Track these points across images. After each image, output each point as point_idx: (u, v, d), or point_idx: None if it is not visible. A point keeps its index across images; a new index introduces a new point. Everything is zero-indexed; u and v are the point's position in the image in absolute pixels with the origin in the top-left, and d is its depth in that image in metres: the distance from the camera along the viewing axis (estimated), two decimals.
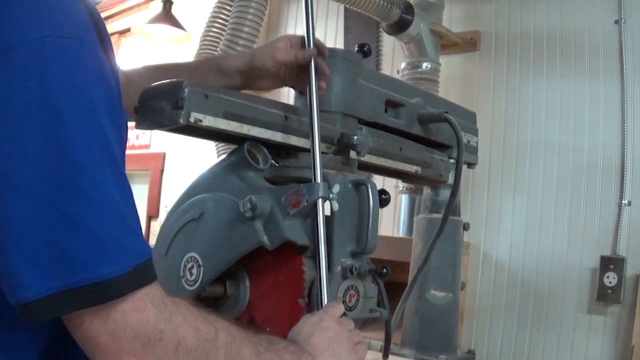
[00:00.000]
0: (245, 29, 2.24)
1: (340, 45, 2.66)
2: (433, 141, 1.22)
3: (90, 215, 0.56)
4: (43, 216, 0.55)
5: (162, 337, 0.59)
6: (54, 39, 0.57)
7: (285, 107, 0.96)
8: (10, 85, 0.55)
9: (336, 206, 0.89)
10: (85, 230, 0.56)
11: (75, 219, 0.55)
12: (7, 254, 0.55)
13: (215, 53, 2.38)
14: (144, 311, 0.59)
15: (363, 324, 0.98)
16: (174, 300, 0.62)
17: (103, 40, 0.64)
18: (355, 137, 0.97)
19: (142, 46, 3.56)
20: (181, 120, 0.82)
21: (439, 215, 1.83)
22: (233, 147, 0.98)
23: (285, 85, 0.98)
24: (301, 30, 0.90)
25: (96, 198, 0.56)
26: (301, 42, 0.95)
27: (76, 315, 0.57)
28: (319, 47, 0.94)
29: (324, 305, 0.84)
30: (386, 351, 1.18)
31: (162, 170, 3.42)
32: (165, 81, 0.85)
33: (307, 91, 0.92)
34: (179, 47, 3.08)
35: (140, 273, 0.59)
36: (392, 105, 1.13)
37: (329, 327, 0.80)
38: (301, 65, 0.95)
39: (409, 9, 2.10)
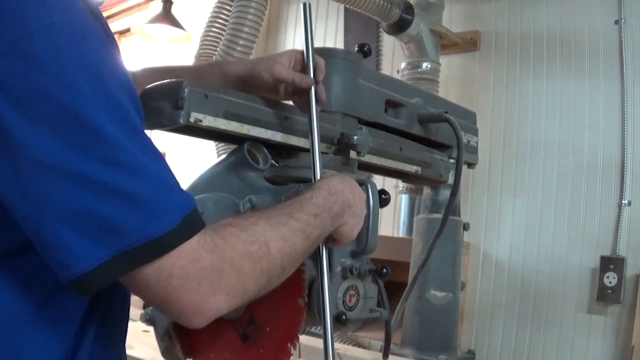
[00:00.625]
0: (245, 29, 2.24)
1: (340, 45, 2.66)
2: (433, 141, 1.22)
3: (128, 181, 0.58)
4: (83, 190, 0.57)
5: (223, 274, 0.63)
6: (64, 24, 0.59)
7: (285, 107, 0.96)
8: (29, 74, 0.56)
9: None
10: (126, 195, 0.58)
11: (114, 187, 0.58)
12: (54, 231, 0.57)
13: (215, 53, 2.38)
14: (199, 260, 0.62)
15: (363, 324, 0.98)
16: (221, 235, 0.65)
17: (108, 36, 0.66)
18: (355, 137, 0.97)
19: (142, 46, 3.56)
20: (181, 120, 0.82)
21: (439, 215, 1.83)
22: (233, 147, 0.98)
23: (283, 100, 0.96)
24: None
25: (129, 164, 0.59)
26: (303, 64, 0.94)
27: (138, 277, 0.60)
28: (316, 73, 0.92)
29: (325, 305, 0.84)
30: (386, 351, 1.18)
31: None
32: (165, 81, 0.85)
33: (307, 113, 0.91)
34: (179, 47, 3.08)
35: (187, 225, 0.61)
36: (392, 105, 1.13)
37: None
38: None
39: (409, 9, 2.10)
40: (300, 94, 0.93)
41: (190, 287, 0.61)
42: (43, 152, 0.56)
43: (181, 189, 0.64)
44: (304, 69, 0.93)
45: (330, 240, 0.85)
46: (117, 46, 0.69)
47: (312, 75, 0.92)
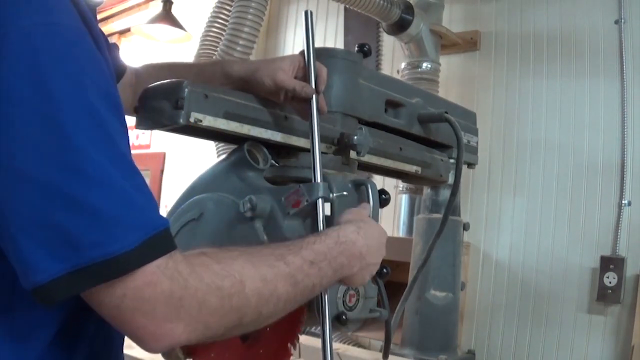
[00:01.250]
0: (245, 29, 2.24)
1: (340, 45, 2.66)
2: (433, 141, 1.22)
3: (92, 194, 0.56)
4: (45, 199, 0.56)
5: (182, 303, 0.60)
6: (44, 26, 0.58)
7: (285, 107, 0.96)
8: (2, 73, 0.55)
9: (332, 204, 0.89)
10: (89, 209, 0.56)
11: (77, 199, 0.56)
12: (15, 240, 0.56)
13: (215, 53, 2.38)
14: (157, 285, 0.59)
15: (363, 324, 0.98)
16: (190, 263, 0.62)
17: (95, 39, 0.65)
18: (355, 137, 0.97)
19: (142, 46, 3.56)
20: (181, 120, 0.82)
21: (439, 215, 1.83)
22: (233, 147, 0.98)
23: (283, 105, 0.96)
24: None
25: (96, 177, 0.57)
26: (305, 70, 0.93)
27: (93, 293, 0.58)
28: (317, 83, 0.92)
29: (324, 305, 0.84)
30: (386, 351, 1.18)
31: (162, 170, 3.42)
32: (165, 81, 0.85)
33: (309, 122, 0.90)
34: (179, 47, 3.08)
35: (149, 247, 0.59)
36: (392, 105, 1.13)
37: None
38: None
39: (409, 9, 2.10)
40: (300, 101, 0.93)
41: (144, 310, 0.59)
42: (8, 155, 0.55)
43: (152, 208, 0.61)
44: (306, 75, 0.93)
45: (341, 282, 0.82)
46: (105, 50, 0.67)
47: (313, 85, 0.91)
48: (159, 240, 0.60)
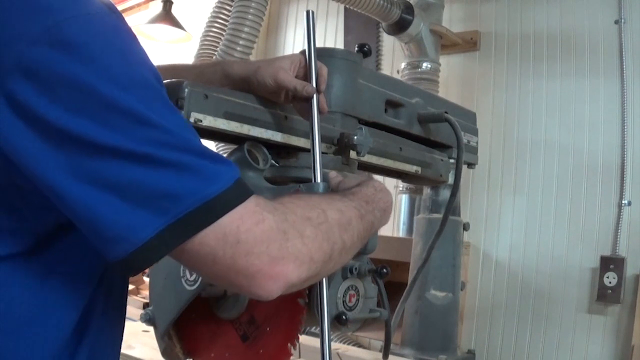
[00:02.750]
0: (245, 29, 2.24)
1: (340, 45, 2.66)
2: (433, 141, 1.22)
3: (174, 153, 0.57)
4: (132, 164, 0.56)
5: (288, 237, 0.62)
6: (96, 15, 0.59)
7: (285, 107, 0.96)
8: (62, 62, 0.55)
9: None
10: (175, 164, 0.57)
11: (162, 159, 0.57)
12: (107, 205, 0.56)
13: (215, 53, 2.38)
14: (263, 221, 0.60)
15: (363, 324, 0.98)
16: (278, 200, 0.66)
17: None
18: (355, 137, 0.97)
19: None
20: None
21: (439, 215, 1.84)
22: (233, 147, 0.98)
23: (284, 104, 0.96)
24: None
25: (174, 140, 0.58)
26: (306, 69, 0.93)
27: (195, 245, 0.58)
28: (318, 82, 0.92)
29: (324, 305, 0.84)
30: (386, 351, 1.18)
31: None
32: (165, 81, 0.85)
33: (309, 121, 0.91)
34: (179, 47, 3.08)
35: (241, 187, 0.60)
36: (392, 105, 1.13)
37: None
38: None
39: (409, 9, 2.10)
40: (301, 101, 0.93)
41: (258, 250, 0.59)
42: (87, 137, 0.56)
43: (225, 158, 0.63)
44: (306, 74, 0.93)
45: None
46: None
47: (314, 84, 0.91)
48: (243, 182, 0.61)
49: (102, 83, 0.56)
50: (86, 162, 0.56)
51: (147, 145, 0.57)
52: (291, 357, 0.89)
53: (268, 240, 0.60)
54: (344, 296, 0.92)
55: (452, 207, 1.24)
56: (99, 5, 0.60)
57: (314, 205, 0.68)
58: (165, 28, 2.83)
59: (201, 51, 2.47)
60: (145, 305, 0.96)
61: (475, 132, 1.36)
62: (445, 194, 1.87)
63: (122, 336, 0.80)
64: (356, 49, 1.05)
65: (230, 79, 0.96)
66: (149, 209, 0.56)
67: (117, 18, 0.62)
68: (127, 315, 0.80)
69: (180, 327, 0.97)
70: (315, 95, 0.90)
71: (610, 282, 1.92)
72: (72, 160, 0.56)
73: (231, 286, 0.63)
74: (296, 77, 0.93)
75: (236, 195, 0.59)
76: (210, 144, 2.56)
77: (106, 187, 0.56)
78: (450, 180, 1.22)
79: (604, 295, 1.93)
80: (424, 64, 2.19)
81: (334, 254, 0.69)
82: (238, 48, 2.24)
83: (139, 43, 0.63)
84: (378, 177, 1.91)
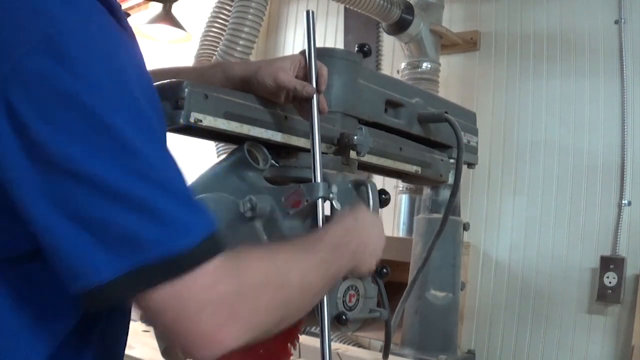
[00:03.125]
0: (245, 29, 2.24)
1: (340, 45, 2.66)
2: (433, 141, 1.22)
3: (151, 193, 0.56)
4: (106, 197, 0.55)
5: (239, 304, 0.59)
6: (94, 25, 0.58)
7: (285, 107, 0.96)
8: (57, 73, 0.54)
9: (338, 205, 0.89)
10: (149, 208, 0.56)
11: (137, 198, 0.55)
12: (72, 238, 0.55)
13: (215, 53, 2.38)
14: (220, 283, 0.58)
15: (363, 324, 0.98)
16: (242, 259, 0.63)
17: (130, 36, 0.67)
18: (355, 137, 0.97)
19: (142, 46, 3.56)
20: (181, 120, 0.82)
21: (439, 215, 1.84)
22: (233, 147, 0.98)
23: (284, 105, 0.95)
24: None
25: (153, 178, 0.57)
26: (305, 72, 0.93)
27: (153, 297, 0.56)
28: (318, 82, 0.92)
29: (324, 305, 0.84)
30: (386, 351, 1.18)
31: None
32: (165, 81, 0.85)
33: (309, 121, 0.90)
34: (179, 47, 3.08)
35: (209, 244, 0.58)
36: (392, 105, 1.13)
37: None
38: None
39: (409, 9, 2.10)
40: (301, 101, 0.93)
41: (204, 315, 0.57)
42: (67, 157, 0.54)
43: (204, 207, 0.61)
44: (307, 75, 0.93)
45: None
46: (138, 45, 0.68)
47: (314, 84, 0.91)
48: (216, 238, 0.59)
49: (95, 103, 0.55)
50: (61, 186, 0.54)
51: (127, 177, 0.55)
52: (291, 357, 0.89)
53: (216, 306, 0.58)
54: (344, 296, 0.92)
55: (452, 207, 1.24)
56: (101, 12, 0.59)
57: (279, 267, 0.65)
58: (165, 28, 2.82)
59: (201, 51, 2.47)
60: None
61: (475, 132, 1.36)
62: (445, 194, 1.87)
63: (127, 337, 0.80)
64: (356, 49, 1.05)
65: (230, 79, 0.96)
66: (113, 250, 0.55)
67: (117, 28, 0.61)
68: None
69: None
70: (315, 95, 0.90)
71: (610, 282, 1.92)
72: (49, 182, 0.55)
73: (173, 341, 0.60)
74: (296, 77, 0.93)
75: (199, 254, 0.57)
76: (210, 144, 2.56)
77: (75, 217, 0.54)
78: (450, 180, 1.22)
79: (604, 295, 1.93)
80: (424, 64, 2.19)
81: (290, 315, 0.67)
82: (238, 48, 2.24)
83: (138, 58, 0.62)
84: (378, 177, 1.91)
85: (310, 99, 0.90)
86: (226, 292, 0.59)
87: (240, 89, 0.94)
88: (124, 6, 3.72)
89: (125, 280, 0.55)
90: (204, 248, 0.58)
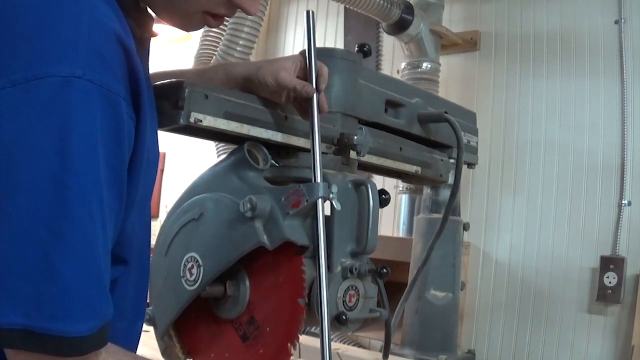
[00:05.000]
0: (245, 29, 2.24)
1: (340, 45, 2.66)
2: (433, 141, 1.22)
3: (70, 267, 0.56)
4: (28, 255, 0.55)
5: None
6: (83, 82, 0.57)
7: (285, 107, 0.96)
8: (29, 119, 0.55)
9: (338, 205, 0.89)
10: (62, 280, 0.56)
11: (55, 267, 0.56)
12: None
13: (215, 53, 2.38)
14: None
15: (363, 324, 0.98)
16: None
17: (136, 81, 0.64)
18: (355, 137, 0.97)
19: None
20: (181, 120, 0.82)
21: (439, 215, 1.83)
22: (233, 147, 0.98)
23: (285, 105, 0.95)
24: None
25: (80, 252, 0.57)
26: (305, 72, 0.92)
27: (25, 356, 0.57)
28: (318, 82, 0.91)
29: (323, 305, 0.84)
30: (386, 351, 1.18)
31: (162, 170, 3.42)
32: (165, 81, 0.85)
33: (309, 122, 0.90)
34: (179, 47, 3.08)
35: (102, 335, 0.59)
36: (392, 105, 1.13)
37: None
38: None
39: (409, 9, 2.10)
40: (302, 101, 0.93)
41: None
42: (6, 198, 0.55)
43: (108, 294, 0.61)
44: (307, 75, 0.93)
45: None
46: (146, 90, 0.67)
47: (314, 84, 0.91)
48: (106, 329, 0.60)
49: (54, 157, 0.55)
50: None
51: (54, 240, 0.55)
52: (291, 357, 0.89)
53: None
54: (344, 296, 0.92)
55: (452, 207, 1.24)
56: (98, 73, 0.58)
57: None
58: (166, 28, 2.82)
59: (201, 51, 2.47)
60: (146, 305, 0.96)
61: (475, 132, 1.36)
62: (445, 194, 1.87)
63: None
64: (356, 49, 1.05)
65: (232, 78, 0.96)
66: (17, 304, 0.55)
67: (105, 95, 0.59)
68: None
69: (180, 327, 0.97)
70: (315, 95, 0.90)
71: (610, 282, 1.92)
72: None
73: None
74: (298, 77, 0.93)
75: (91, 344, 0.58)
76: (210, 144, 2.56)
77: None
78: (450, 180, 1.22)
79: (604, 295, 1.93)
80: (424, 64, 2.19)
81: None
82: (238, 48, 2.24)
83: (118, 129, 0.60)
84: (378, 177, 1.91)
85: (309, 99, 0.90)
86: None
87: (242, 88, 0.94)
88: None
89: (17, 333, 0.55)
90: (97, 338, 0.58)
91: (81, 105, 0.57)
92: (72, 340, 0.56)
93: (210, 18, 0.77)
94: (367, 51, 1.04)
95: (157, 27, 0.82)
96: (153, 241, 0.95)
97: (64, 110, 0.56)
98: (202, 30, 2.50)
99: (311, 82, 0.90)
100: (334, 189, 0.89)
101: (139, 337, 0.81)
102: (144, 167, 0.68)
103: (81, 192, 0.57)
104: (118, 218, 0.64)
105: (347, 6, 2.11)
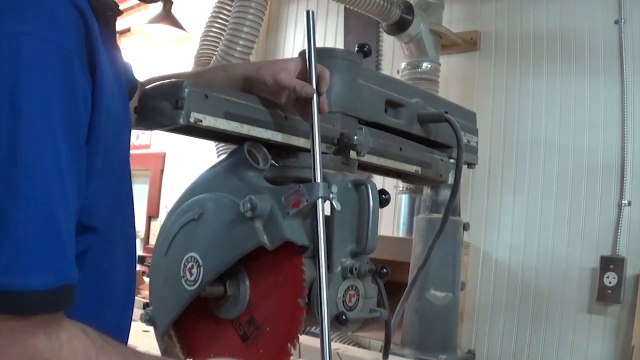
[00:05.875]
0: (245, 29, 2.24)
1: (340, 45, 2.66)
2: (433, 141, 1.22)
3: (21, 218, 0.54)
4: None
5: None
6: (32, 38, 0.57)
7: (285, 107, 0.96)
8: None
9: (338, 205, 0.89)
10: (14, 232, 0.54)
11: (5, 218, 0.54)
12: None
13: (215, 53, 2.38)
14: (35, 336, 0.56)
15: (363, 324, 0.98)
16: (71, 334, 0.59)
17: (92, 44, 0.63)
18: (355, 137, 0.97)
19: (142, 46, 3.56)
20: (181, 120, 0.82)
21: (439, 215, 1.84)
22: (233, 147, 0.98)
23: (285, 106, 0.95)
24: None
25: (33, 204, 0.55)
26: (306, 73, 0.92)
27: None
28: (319, 84, 0.91)
29: (324, 305, 0.84)
30: (386, 351, 1.18)
31: (162, 170, 3.42)
32: (165, 81, 0.85)
33: (309, 123, 0.90)
34: (179, 48, 3.08)
35: (62, 297, 0.57)
36: (392, 105, 1.13)
37: None
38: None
39: (409, 9, 2.10)
40: (302, 102, 0.93)
41: (8, 351, 0.54)
42: None
43: (72, 258, 0.59)
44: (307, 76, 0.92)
45: None
46: (116, 66, 0.67)
47: (314, 84, 0.91)
48: (64, 293, 0.57)
49: (6, 109, 0.55)
50: None
51: (4, 189, 0.54)
52: (291, 357, 0.89)
53: (23, 352, 0.55)
54: (344, 296, 0.92)
55: (452, 207, 1.24)
56: (48, 30, 0.58)
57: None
58: (165, 28, 2.82)
59: (201, 51, 2.47)
60: (145, 305, 0.96)
61: (475, 132, 1.36)
62: (445, 194, 1.87)
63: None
64: (356, 49, 1.05)
65: (232, 78, 0.96)
66: None
67: (55, 50, 0.58)
68: None
69: (180, 327, 0.97)
70: (315, 96, 0.90)
71: (610, 282, 1.92)
72: None
73: None
74: (298, 78, 0.93)
75: (43, 303, 0.55)
76: (210, 144, 2.56)
77: None
78: (450, 180, 1.22)
79: (604, 295, 1.93)
80: (424, 64, 2.19)
81: None
82: (238, 48, 2.24)
83: (71, 84, 0.60)
84: (378, 177, 1.91)
85: (309, 100, 0.90)
86: (38, 352, 0.56)
87: (242, 88, 0.94)
88: (124, 6, 3.72)
89: None
90: (51, 297, 0.56)
91: (31, 59, 0.57)
92: (22, 296, 0.54)
93: None
94: (367, 51, 1.04)
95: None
96: (152, 241, 0.95)
97: (14, 65, 0.56)
98: (202, 30, 2.51)
99: (311, 83, 0.90)
100: (334, 189, 0.89)
101: (129, 327, 0.80)
102: (102, 133, 0.66)
103: (34, 142, 0.56)
104: (81, 178, 0.62)
105: (347, 6, 2.11)
